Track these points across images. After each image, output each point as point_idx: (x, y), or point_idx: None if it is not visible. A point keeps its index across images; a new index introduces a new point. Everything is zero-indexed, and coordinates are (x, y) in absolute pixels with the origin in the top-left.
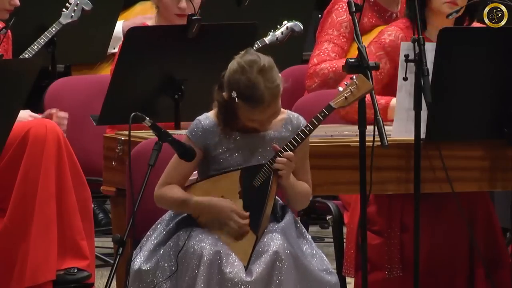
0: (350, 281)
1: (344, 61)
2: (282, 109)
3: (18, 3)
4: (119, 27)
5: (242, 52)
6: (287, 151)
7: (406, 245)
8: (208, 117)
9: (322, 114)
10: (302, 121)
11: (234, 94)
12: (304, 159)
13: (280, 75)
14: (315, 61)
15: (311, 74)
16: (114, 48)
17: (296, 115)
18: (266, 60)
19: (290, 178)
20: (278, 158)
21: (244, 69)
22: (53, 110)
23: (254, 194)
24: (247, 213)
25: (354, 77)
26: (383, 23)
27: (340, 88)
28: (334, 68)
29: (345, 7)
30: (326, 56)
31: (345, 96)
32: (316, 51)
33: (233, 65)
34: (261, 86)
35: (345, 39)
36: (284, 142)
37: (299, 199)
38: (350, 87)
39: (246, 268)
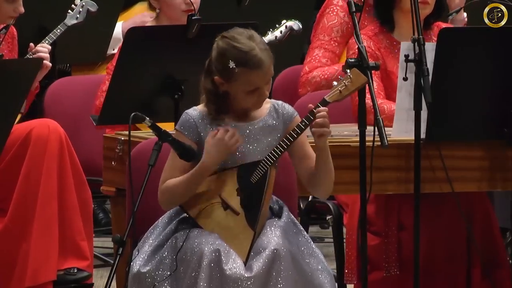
0: None
1: (336, 67)
2: (267, 99)
3: (22, 10)
4: (119, 28)
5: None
6: (283, 147)
7: (404, 244)
8: (195, 109)
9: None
10: (287, 108)
11: (231, 64)
12: (304, 146)
13: None
14: (306, 69)
15: (303, 83)
16: (113, 49)
17: (280, 102)
18: (249, 30)
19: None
20: (317, 113)
21: (235, 39)
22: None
23: (251, 191)
24: (229, 128)
25: (348, 71)
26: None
27: (335, 83)
28: (326, 76)
29: (336, 10)
30: (317, 62)
31: (340, 90)
32: (307, 58)
33: (220, 41)
34: (256, 49)
35: (336, 44)
36: (272, 130)
37: (330, 177)
38: (344, 81)
39: (245, 264)
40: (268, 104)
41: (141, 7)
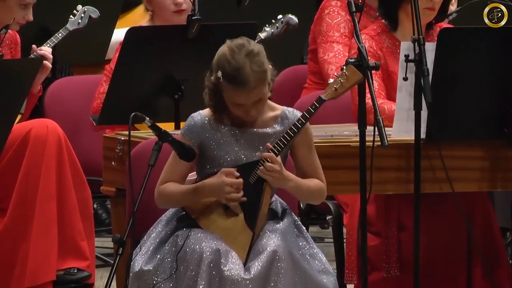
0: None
1: None
2: (277, 106)
3: (31, 18)
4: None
5: (233, 39)
6: (281, 146)
7: (404, 244)
8: (201, 114)
9: (313, 107)
10: (299, 114)
11: (219, 73)
12: (308, 155)
13: (270, 66)
14: (336, 64)
15: None
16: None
17: (291, 109)
18: (255, 45)
19: (293, 179)
20: (264, 164)
21: (233, 50)
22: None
23: (250, 191)
24: (240, 180)
25: (344, 68)
26: (372, 23)
27: (331, 80)
28: None
29: (336, 10)
30: (343, 57)
31: (335, 88)
32: (328, 53)
33: (223, 48)
34: (247, 68)
35: (347, 39)
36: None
37: (309, 197)
38: (340, 79)
39: (244, 265)
40: (277, 112)
41: (143, 8)
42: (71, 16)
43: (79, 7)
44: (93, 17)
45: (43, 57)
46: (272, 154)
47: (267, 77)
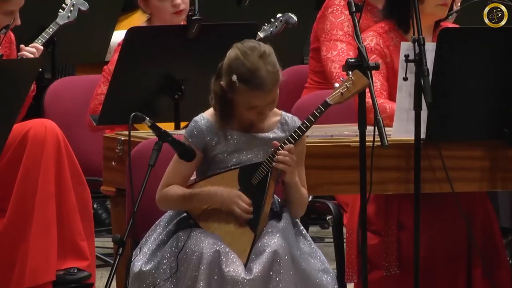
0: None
1: None
2: (277, 110)
3: (19, 22)
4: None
5: (241, 41)
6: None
7: (404, 243)
8: (204, 117)
9: (319, 111)
10: (298, 121)
11: (234, 77)
12: (299, 165)
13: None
14: (340, 62)
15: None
16: None
17: (290, 115)
18: (266, 46)
19: (295, 178)
20: (279, 152)
21: (246, 53)
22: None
23: (252, 192)
24: (249, 200)
25: (350, 73)
26: (375, 23)
27: (336, 84)
28: None
29: (340, 9)
30: (346, 55)
31: (341, 92)
32: (331, 51)
33: (233, 51)
34: (263, 70)
35: (351, 37)
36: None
37: (300, 204)
38: (346, 83)
39: (245, 266)
40: (277, 117)
41: (139, 13)
42: (60, 10)
43: (68, 0)
44: (82, 9)
45: (39, 59)
46: (292, 145)
47: (280, 77)
